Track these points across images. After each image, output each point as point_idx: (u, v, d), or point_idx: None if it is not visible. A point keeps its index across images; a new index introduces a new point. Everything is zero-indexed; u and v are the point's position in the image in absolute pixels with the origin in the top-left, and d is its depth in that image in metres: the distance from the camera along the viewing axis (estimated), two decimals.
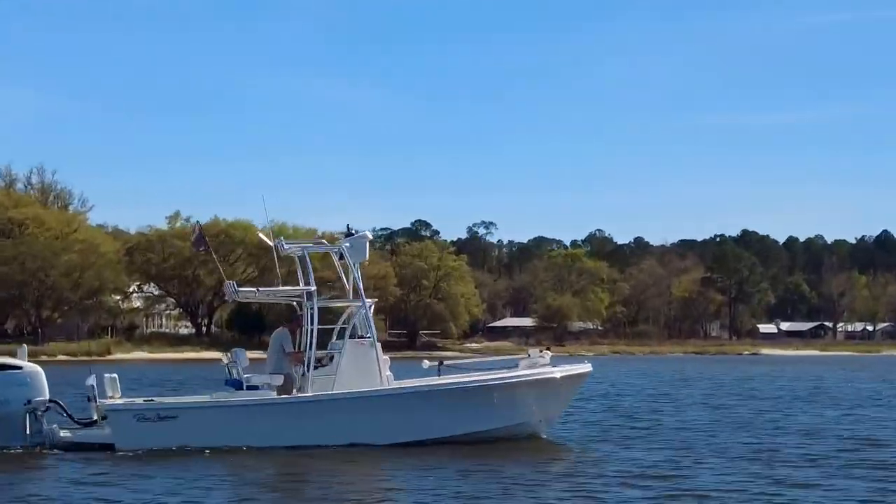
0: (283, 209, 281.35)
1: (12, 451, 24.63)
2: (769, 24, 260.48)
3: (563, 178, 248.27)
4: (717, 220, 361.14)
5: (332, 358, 25.97)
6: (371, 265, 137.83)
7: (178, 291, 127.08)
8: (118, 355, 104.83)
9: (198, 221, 37.83)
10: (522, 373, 26.99)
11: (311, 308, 26.11)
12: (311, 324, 25.87)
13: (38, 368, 25.68)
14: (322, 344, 26.12)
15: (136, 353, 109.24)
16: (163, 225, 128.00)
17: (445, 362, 28.17)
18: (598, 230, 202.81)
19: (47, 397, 25.26)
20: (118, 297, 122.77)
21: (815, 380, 63.57)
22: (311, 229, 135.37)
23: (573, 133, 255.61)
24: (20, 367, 25.40)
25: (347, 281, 26.78)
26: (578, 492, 19.61)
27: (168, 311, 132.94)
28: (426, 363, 27.95)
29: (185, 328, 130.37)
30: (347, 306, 26.82)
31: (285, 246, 26.88)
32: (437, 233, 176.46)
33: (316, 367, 25.72)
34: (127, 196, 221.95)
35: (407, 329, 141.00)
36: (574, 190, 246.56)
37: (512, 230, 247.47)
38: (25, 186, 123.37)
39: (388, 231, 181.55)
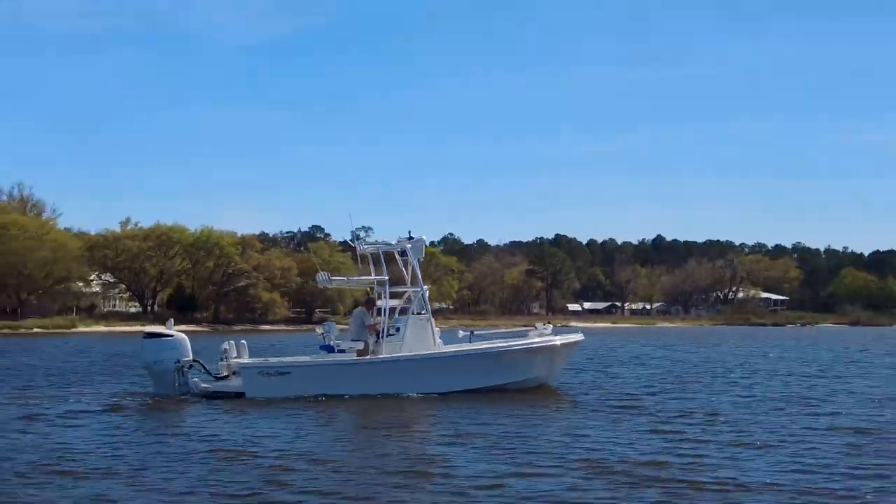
0: (212, 216, 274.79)
1: (167, 398, 25.05)
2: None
3: (424, 190, 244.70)
4: (538, 226, 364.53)
5: (398, 329, 26.24)
6: (277, 259, 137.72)
7: (128, 279, 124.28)
8: (81, 328, 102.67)
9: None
10: (535, 340, 27.15)
11: (385, 292, 26.36)
12: (385, 304, 26.22)
13: (184, 336, 26.04)
14: None
15: (95, 327, 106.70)
16: (116, 228, 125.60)
17: (475, 332, 28.53)
18: (450, 233, 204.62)
19: (191, 357, 25.77)
20: (81, 284, 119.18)
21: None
22: (231, 231, 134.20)
23: (431, 151, 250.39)
24: (171, 335, 25.80)
25: (407, 272, 26.86)
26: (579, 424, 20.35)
27: (120, 295, 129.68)
28: (461, 333, 28.41)
29: (134, 307, 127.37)
30: (405, 291, 27.02)
31: (364, 247, 27.20)
32: (328, 235, 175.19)
33: (387, 336, 26.16)
34: (88, 204, 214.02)
35: (305, 307, 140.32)
36: (431, 199, 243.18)
37: (384, 233, 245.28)
38: (8, 198, 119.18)
39: (292, 233, 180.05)
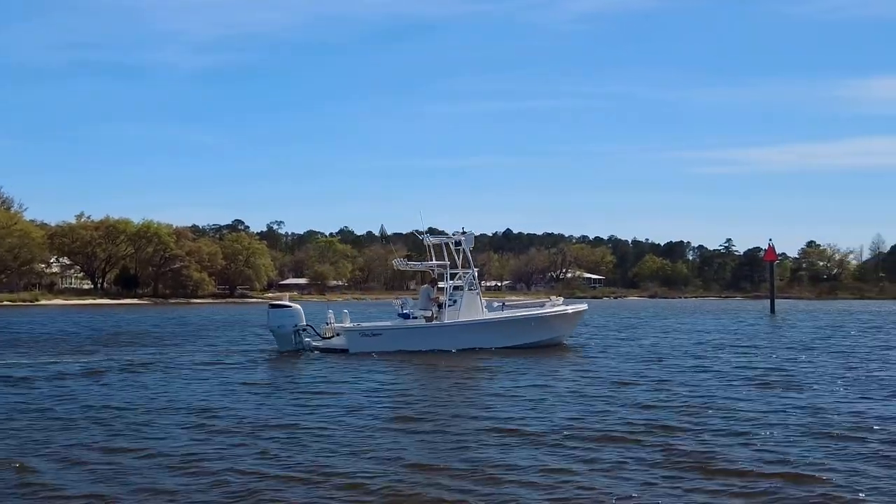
0: (153, 210, 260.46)
1: (288, 353, 25.80)
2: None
3: (326, 190, 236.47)
4: (415, 221, 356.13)
5: (455, 301, 26.93)
6: (205, 245, 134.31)
7: (81, 262, 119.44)
8: (43, 302, 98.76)
9: (382, 224, 36.66)
10: (553, 310, 28.04)
11: (446, 274, 27.13)
12: (446, 283, 27.02)
13: (299, 307, 26.60)
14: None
15: (55, 300, 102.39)
16: (72, 220, 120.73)
17: (506, 303, 29.30)
18: (346, 226, 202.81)
19: (305, 323, 26.40)
20: (43, 266, 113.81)
21: None
22: (168, 224, 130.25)
23: (325, 155, 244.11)
24: (290, 306, 26.47)
25: (459, 259, 27.28)
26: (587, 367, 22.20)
27: (75, 274, 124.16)
28: (495, 304, 28.83)
29: (87, 285, 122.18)
30: (457, 272, 27.38)
31: (430, 239, 27.56)
32: (248, 227, 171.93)
33: (447, 307, 26.88)
34: (50, 199, 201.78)
35: (228, 285, 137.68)
36: (330, 198, 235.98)
37: (294, 225, 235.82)
38: None
39: (218, 225, 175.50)
